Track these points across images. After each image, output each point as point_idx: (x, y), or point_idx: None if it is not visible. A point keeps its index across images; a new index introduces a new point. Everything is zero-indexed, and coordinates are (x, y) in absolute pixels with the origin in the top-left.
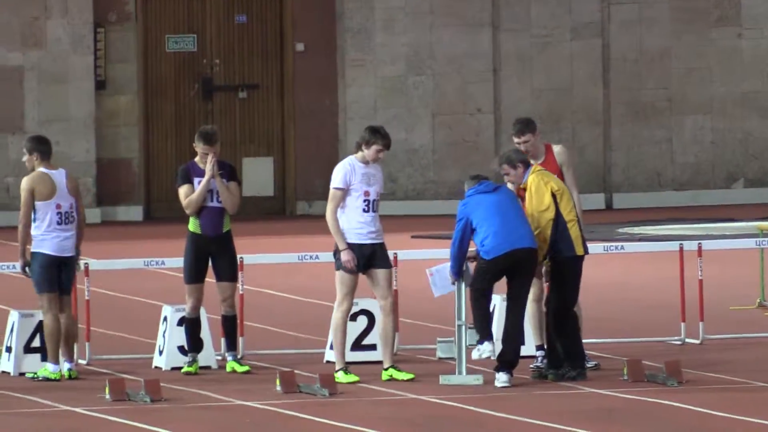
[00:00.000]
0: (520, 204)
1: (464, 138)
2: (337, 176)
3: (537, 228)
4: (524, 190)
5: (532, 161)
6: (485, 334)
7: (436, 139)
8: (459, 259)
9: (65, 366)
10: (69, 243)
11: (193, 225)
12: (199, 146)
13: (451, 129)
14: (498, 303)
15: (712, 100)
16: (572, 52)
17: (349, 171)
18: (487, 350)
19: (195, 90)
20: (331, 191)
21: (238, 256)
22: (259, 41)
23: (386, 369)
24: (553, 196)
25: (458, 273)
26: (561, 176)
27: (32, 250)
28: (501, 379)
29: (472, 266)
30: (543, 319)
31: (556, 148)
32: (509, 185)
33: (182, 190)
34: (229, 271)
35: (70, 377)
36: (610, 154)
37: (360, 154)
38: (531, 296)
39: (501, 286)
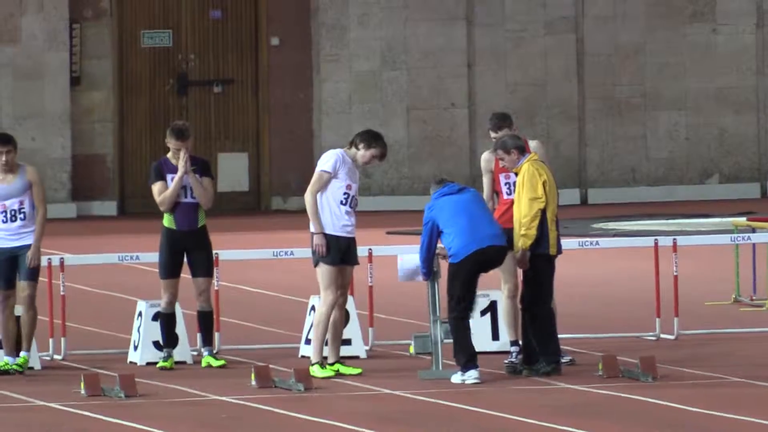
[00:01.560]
0: (486, 205)
1: (439, 133)
2: (328, 160)
3: (525, 216)
4: (518, 175)
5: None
6: (469, 360)
7: (410, 133)
8: (428, 261)
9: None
10: (19, 236)
11: (167, 220)
12: (171, 142)
13: (425, 124)
14: (498, 297)
15: (686, 95)
16: (546, 47)
17: (339, 159)
18: (472, 377)
19: (170, 85)
20: (318, 173)
21: (214, 252)
22: (234, 36)
23: (332, 364)
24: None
25: (429, 274)
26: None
27: None
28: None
29: (444, 263)
30: (518, 315)
31: (532, 143)
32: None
33: (155, 188)
34: (204, 266)
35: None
36: (585, 149)
37: (352, 150)
38: (505, 292)
39: (493, 281)
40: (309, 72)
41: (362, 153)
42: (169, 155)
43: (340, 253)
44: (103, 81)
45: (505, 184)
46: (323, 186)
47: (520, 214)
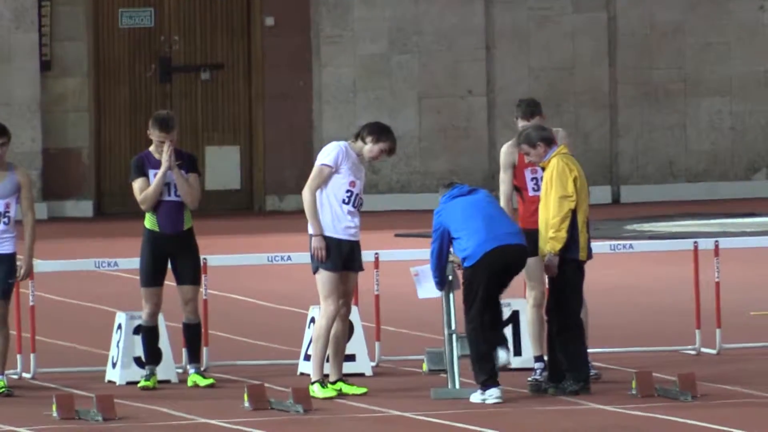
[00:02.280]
0: (500, 206)
1: (454, 123)
2: (329, 153)
3: (555, 216)
4: (545, 170)
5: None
6: (490, 377)
7: (422, 124)
8: (440, 270)
9: None
10: None
11: (149, 222)
12: (154, 134)
13: (439, 113)
14: (521, 307)
15: (731, 80)
16: (575, 27)
17: (342, 152)
18: (493, 396)
19: (152, 71)
20: (318, 167)
21: (201, 257)
22: (224, 16)
23: (334, 382)
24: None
25: (442, 284)
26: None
27: None
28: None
29: (459, 273)
30: (544, 327)
31: (560, 132)
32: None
33: (136, 184)
34: (190, 273)
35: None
36: (618, 141)
37: (357, 144)
38: (531, 301)
39: (515, 288)
40: (308, 56)
41: (370, 147)
42: (152, 149)
43: (341, 258)
44: (76, 66)
45: (532, 179)
46: (323, 182)
47: (548, 214)
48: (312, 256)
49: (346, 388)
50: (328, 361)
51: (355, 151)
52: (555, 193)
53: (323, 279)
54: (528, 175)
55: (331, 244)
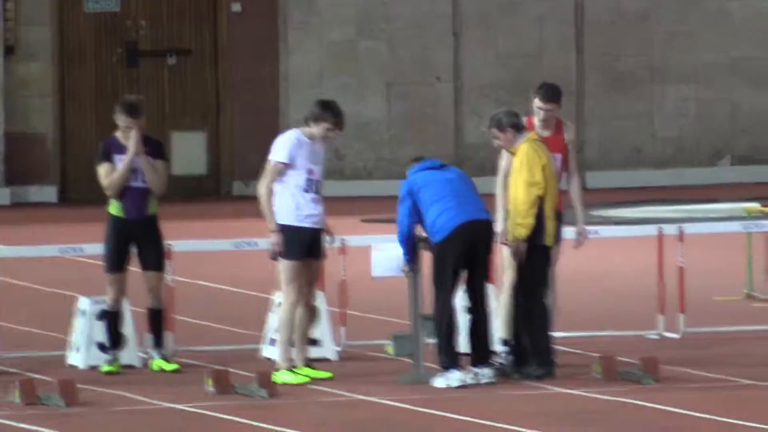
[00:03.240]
0: (475, 186)
1: (422, 110)
2: (282, 148)
3: (523, 203)
4: (515, 155)
5: (538, 131)
6: (453, 359)
7: (390, 111)
8: (409, 243)
9: None
10: None
11: (114, 208)
12: (120, 119)
13: (407, 100)
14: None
15: (697, 68)
16: (542, 13)
17: (295, 145)
18: (456, 380)
19: (118, 56)
20: (271, 164)
21: (166, 243)
22: (191, 1)
23: (299, 367)
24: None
25: (412, 258)
26: (565, 157)
27: None
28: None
29: (425, 252)
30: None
31: (569, 127)
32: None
33: (102, 169)
34: (155, 259)
35: None
36: (584, 128)
37: (307, 129)
38: (506, 283)
39: None
40: (275, 42)
41: (315, 129)
42: (118, 134)
43: (304, 246)
44: (41, 50)
45: None
46: (276, 176)
47: (516, 200)
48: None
49: (312, 373)
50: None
51: (307, 136)
52: (523, 179)
53: (285, 267)
54: None
55: (292, 233)
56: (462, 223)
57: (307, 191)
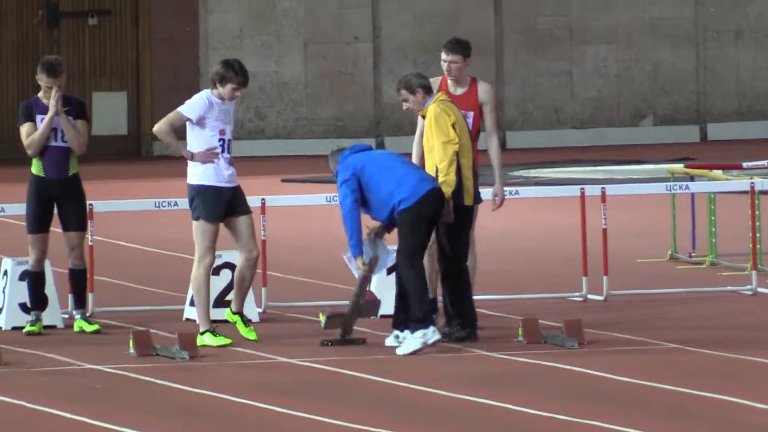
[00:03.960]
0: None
1: (340, 70)
2: (191, 106)
3: (442, 161)
4: (425, 118)
5: (451, 89)
6: (428, 315)
7: (308, 70)
8: (357, 230)
9: None
10: None
11: (36, 167)
12: (42, 79)
13: (325, 59)
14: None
15: (616, 27)
16: None
17: (205, 105)
18: (433, 334)
19: (39, 17)
20: (175, 112)
21: (88, 203)
22: None
23: (234, 313)
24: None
25: (360, 248)
26: (478, 116)
27: None
28: (435, 332)
29: (384, 242)
30: (436, 274)
31: (483, 85)
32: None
33: (24, 129)
34: (76, 219)
35: None
36: (503, 87)
37: (215, 91)
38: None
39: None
40: (194, 2)
41: (222, 90)
42: (40, 94)
43: (222, 206)
44: None
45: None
46: (174, 125)
47: (435, 160)
48: (191, 202)
49: (241, 328)
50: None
51: (217, 97)
52: (438, 139)
53: (202, 228)
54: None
55: (212, 193)
56: (430, 190)
57: (221, 151)
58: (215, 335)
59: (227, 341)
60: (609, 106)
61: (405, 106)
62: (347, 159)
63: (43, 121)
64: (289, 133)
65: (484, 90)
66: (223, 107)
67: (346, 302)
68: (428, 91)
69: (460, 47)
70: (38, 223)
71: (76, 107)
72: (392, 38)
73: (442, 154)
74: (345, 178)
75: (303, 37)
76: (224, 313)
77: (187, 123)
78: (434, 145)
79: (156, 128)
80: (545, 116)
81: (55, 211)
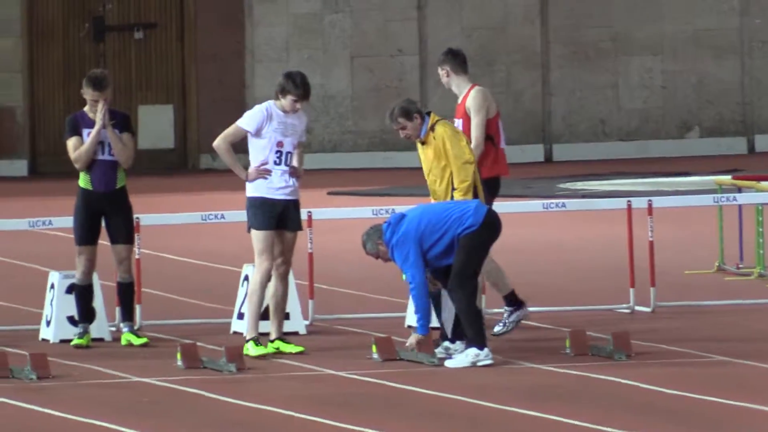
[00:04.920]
0: None
1: (386, 83)
2: (249, 118)
3: (463, 181)
4: (423, 143)
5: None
6: (482, 337)
7: (354, 84)
8: (428, 309)
9: None
10: None
11: (83, 181)
12: (87, 93)
13: (371, 72)
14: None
15: (661, 39)
16: None
17: (263, 117)
18: (485, 357)
19: (85, 31)
20: (234, 126)
21: (135, 216)
22: None
23: (272, 341)
24: None
25: (427, 328)
26: (466, 123)
27: None
28: (488, 354)
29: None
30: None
31: (472, 92)
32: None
33: (70, 143)
34: (124, 232)
35: None
36: (550, 100)
37: (279, 102)
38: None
39: None
40: (240, 15)
41: (284, 102)
42: (86, 108)
43: (273, 217)
44: (10, 26)
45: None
46: (235, 139)
47: (442, 184)
48: (247, 215)
49: (284, 347)
50: (267, 319)
51: (280, 109)
52: (456, 159)
53: (256, 237)
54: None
55: (262, 204)
56: (489, 211)
57: (277, 164)
58: (257, 345)
59: (266, 350)
60: (655, 117)
61: (403, 134)
62: (397, 229)
63: (89, 135)
64: (335, 147)
65: (471, 96)
66: (285, 119)
67: (392, 314)
68: (422, 115)
69: (441, 59)
70: (86, 235)
71: (121, 121)
72: (438, 51)
73: (463, 175)
74: (404, 253)
75: (349, 50)
76: (254, 350)
77: (248, 134)
78: (453, 165)
79: (215, 145)
80: (591, 128)
81: (103, 223)
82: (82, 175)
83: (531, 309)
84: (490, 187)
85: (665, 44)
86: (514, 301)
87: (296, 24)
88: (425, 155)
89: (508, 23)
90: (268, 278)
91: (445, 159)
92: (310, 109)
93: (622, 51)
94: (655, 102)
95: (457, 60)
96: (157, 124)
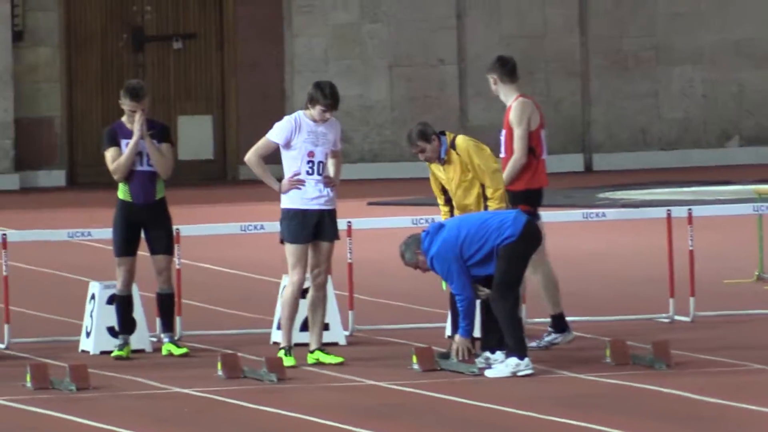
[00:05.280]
0: None
1: (425, 92)
2: (278, 130)
3: (496, 190)
4: (445, 163)
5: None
6: (523, 347)
7: (394, 93)
8: (473, 316)
9: None
10: None
11: (122, 192)
12: (125, 103)
13: (410, 82)
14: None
15: (702, 48)
16: None
17: (292, 128)
18: (526, 368)
19: (124, 41)
20: (264, 139)
21: (174, 227)
22: None
23: (312, 351)
24: None
25: (471, 332)
26: (508, 135)
27: None
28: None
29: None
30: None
31: (514, 104)
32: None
33: (109, 154)
34: (163, 243)
35: None
36: (589, 109)
37: (309, 111)
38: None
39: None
40: (280, 25)
41: (314, 111)
42: (124, 118)
43: (307, 229)
44: (48, 36)
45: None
46: (266, 152)
47: (469, 199)
48: (281, 227)
49: (324, 357)
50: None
51: (310, 119)
52: (487, 169)
53: (288, 250)
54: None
55: (298, 216)
56: (528, 221)
57: (310, 173)
58: (287, 355)
59: (293, 362)
60: (695, 127)
61: (422, 157)
62: (435, 241)
63: (128, 146)
64: (374, 156)
65: (512, 108)
66: (315, 129)
67: (432, 324)
68: (439, 136)
69: (490, 66)
70: (125, 247)
71: (159, 131)
72: (478, 60)
73: (496, 183)
74: (447, 268)
75: (388, 59)
76: (287, 361)
77: (278, 145)
78: (480, 176)
79: (247, 159)
80: (631, 138)
81: (142, 234)
82: (121, 186)
83: (572, 318)
84: (531, 198)
85: (705, 54)
86: (559, 324)
87: (335, 34)
88: (447, 175)
89: (547, 32)
90: (300, 290)
91: (471, 171)
92: (349, 119)
93: (662, 60)
94: (696, 111)
95: (505, 68)
96: (196, 135)
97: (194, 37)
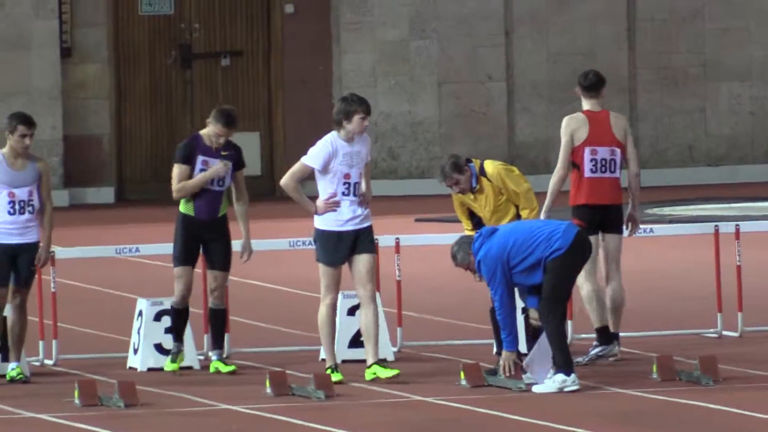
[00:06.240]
0: None
1: (473, 109)
2: (314, 155)
3: (533, 209)
4: (478, 192)
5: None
6: (570, 363)
7: (442, 110)
8: (514, 325)
9: (11, 366)
10: (24, 231)
11: (185, 206)
12: (216, 126)
13: (458, 99)
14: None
15: (750, 64)
16: (594, 11)
17: (329, 153)
18: (572, 384)
19: (172, 58)
20: (300, 163)
21: None
22: (244, 2)
23: (369, 366)
24: None
25: (516, 344)
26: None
27: None
28: (575, 380)
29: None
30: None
31: (619, 118)
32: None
33: (178, 170)
34: (222, 259)
35: (13, 379)
36: (637, 125)
37: (343, 131)
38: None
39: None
40: (327, 42)
41: (351, 126)
42: (204, 132)
43: (341, 251)
44: (97, 52)
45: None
46: (303, 175)
47: (527, 210)
48: (315, 246)
49: (381, 372)
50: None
51: (344, 138)
52: (520, 189)
53: (321, 270)
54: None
55: (333, 238)
56: (578, 232)
57: (345, 194)
58: (333, 372)
59: (340, 378)
60: (743, 143)
61: (457, 189)
62: (485, 244)
63: (202, 163)
64: (422, 173)
65: (614, 119)
66: (350, 149)
67: (480, 341)
68: (469, 166)
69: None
70: (186, 257)
71: (236, 157)
72: (526, 76)
73: (531, 203)
74: (492, 272)
75: (436, 76)
76: (366, 374)
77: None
78: (514, 198)
79: (283, 183)
80: (679, 154)
81: (201, 249)
82: (183, 200)
83: (620, 333)
84: (578, 213)
85: (754, 70)
86: (604, 337)
87: (383, 51)
88: (479, 203)
89: (596, 48)
90: (334, 311)
91: (505, 193)
92: (397, 136)
93: (710, 76)
94: (744, 128)
95: (584, 83)
96: (244, 151)
97: (241, 55)
